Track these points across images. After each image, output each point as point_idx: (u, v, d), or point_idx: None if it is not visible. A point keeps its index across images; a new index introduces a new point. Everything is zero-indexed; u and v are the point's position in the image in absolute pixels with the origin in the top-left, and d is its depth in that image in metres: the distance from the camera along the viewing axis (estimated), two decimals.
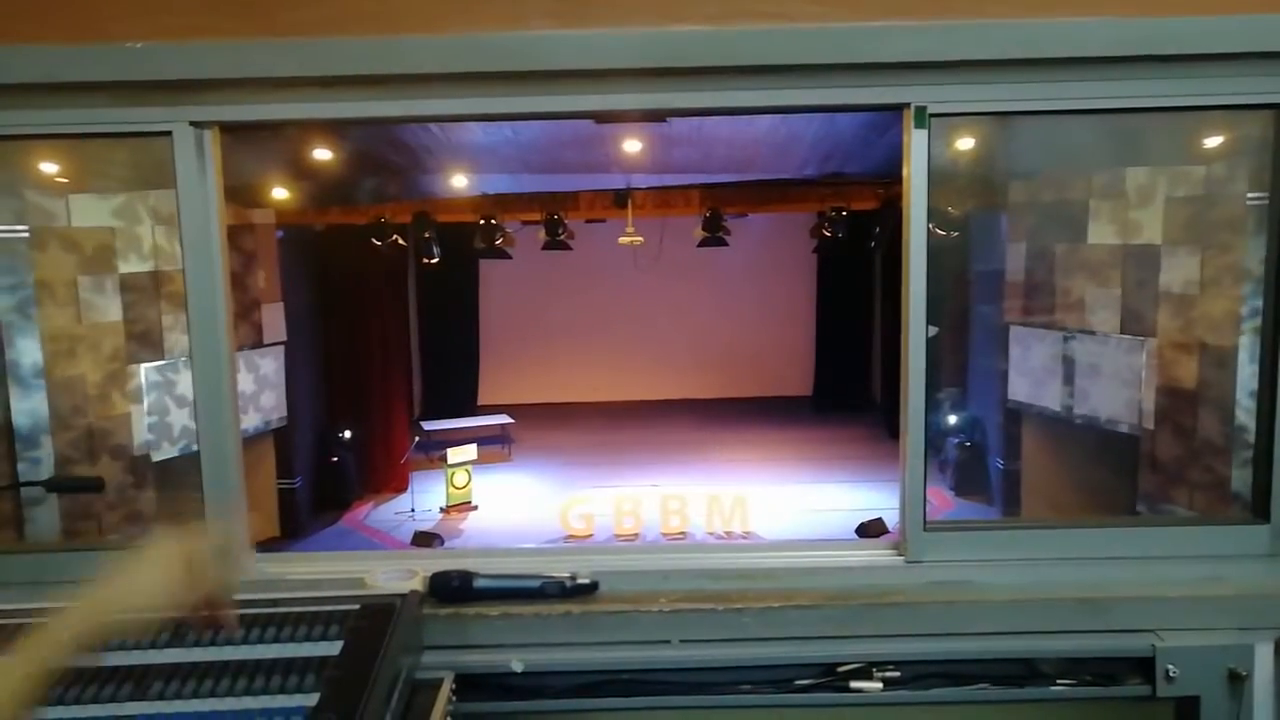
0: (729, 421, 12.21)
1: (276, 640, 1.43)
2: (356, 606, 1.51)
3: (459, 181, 8.43)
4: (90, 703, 1.30)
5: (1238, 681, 1.69)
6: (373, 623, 1.47)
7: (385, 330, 10.17)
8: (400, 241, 8.87)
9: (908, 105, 1.74)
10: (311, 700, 1.30)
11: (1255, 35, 1.66)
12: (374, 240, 8.56)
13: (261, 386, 6.77)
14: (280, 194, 7.53)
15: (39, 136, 1.78)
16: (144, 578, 1.04)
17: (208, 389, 1.79)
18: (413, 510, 8.91)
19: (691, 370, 13.24)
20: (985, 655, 1.73)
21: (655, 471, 9.43)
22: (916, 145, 1.76)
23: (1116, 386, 2.68)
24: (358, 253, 8.69)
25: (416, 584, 1.69)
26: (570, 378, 13.16)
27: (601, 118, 1.96)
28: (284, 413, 7.15)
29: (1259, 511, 1.85)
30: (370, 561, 1.90)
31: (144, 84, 1.67)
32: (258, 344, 6.76)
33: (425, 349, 12.33)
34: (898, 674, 1.74)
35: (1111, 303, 2.72)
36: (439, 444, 9.93)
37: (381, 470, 9.73)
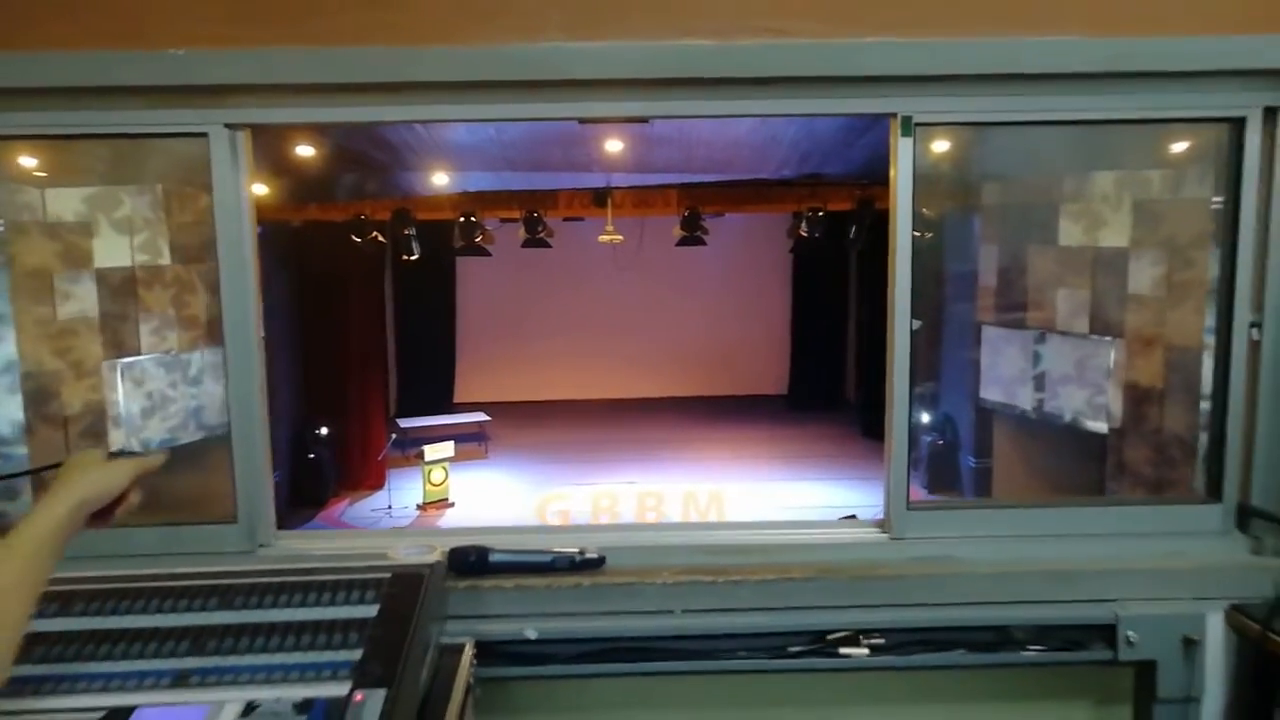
0: (705, 419, 12.33)
1: (318, 604, 1.54)
2: (388, 575, 1.62)
3: (439, 179, 8.49)
4: (153, 657, 1.41)
5: (1191, 646, 1.85)
6: (405, 589, 1.59)
7: (362, 327, 10.21)
8: (380, 238, 8.91)
9: (895, 115, 1.88)
10: (355, 655, 1.42)
11: (1211, 56, 1.82)
12: (353, 237, 8.59)
13: None
14: (259, 189, 7.56)
15: (83, 137, 1.87)
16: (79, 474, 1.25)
17: (240, 378, 1.90)
18: (389, 507, 8.99)
19: (668, 369, 13.33)
20: (962, 624, 1.88)
21: (632, 469, 9.56)
22: (903, 152, 1.90)
23: (1085, 386, 2.78)
24: (335, 249, 8.72)
25: (437, 558, 1.81)
26: (547, 376, 13.22)
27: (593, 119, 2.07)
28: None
29: (1213, 492, 2.01)
30: (388, 539, 2.02)
31: (184, 88, 1.77)
32: None
33: (401, 346, 12.36)
34: (883, 641, 1.88)
35: (1081, 303, 2.80)
36: (415, 441, 10.01)
37: (358, 467, 9.79)
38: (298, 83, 1.79)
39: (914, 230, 4.83)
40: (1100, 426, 2.66)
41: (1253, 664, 1.82)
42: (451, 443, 9.71)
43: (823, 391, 12.81)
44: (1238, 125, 1.91)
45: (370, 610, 1.53)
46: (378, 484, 9.61)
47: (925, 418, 7.59)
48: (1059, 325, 2.94)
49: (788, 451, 10.78)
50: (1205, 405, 2.06)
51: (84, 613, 1.53)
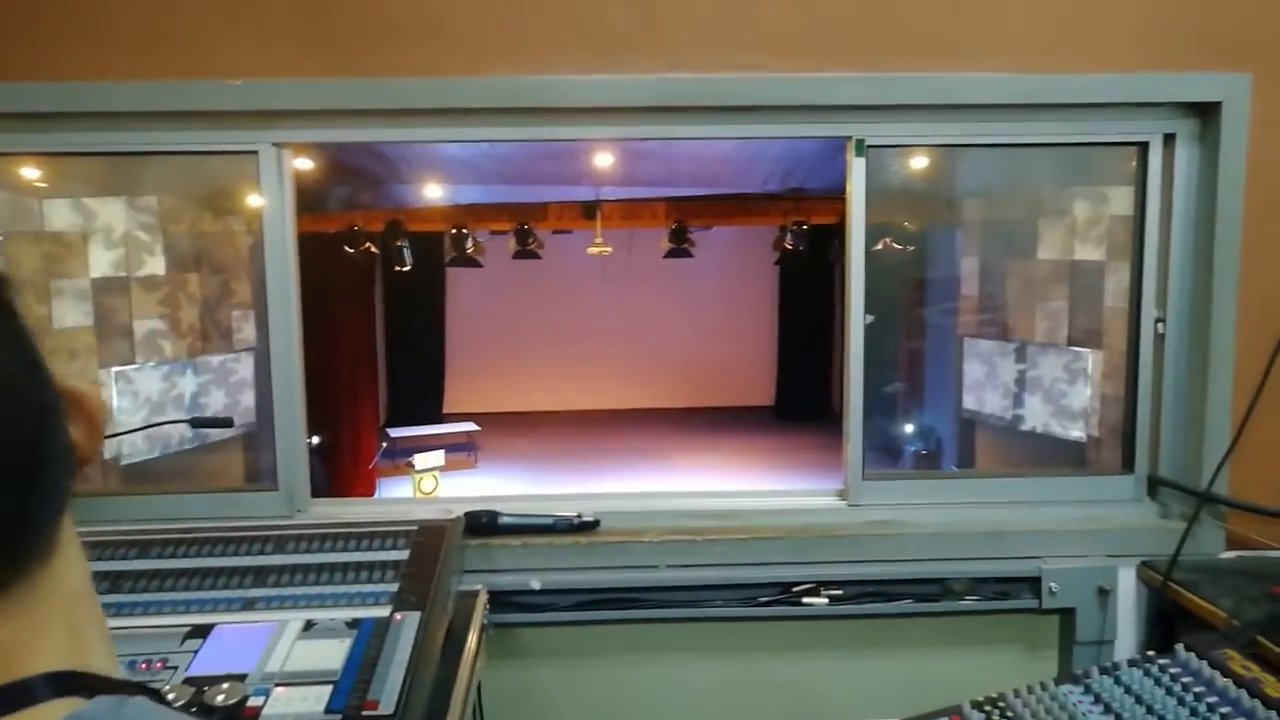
0: (693, 430, 12.43)
1: (358, 550, 1.82)
2: (415, 527, 1.91)
3: (432, 191, 8.71)
4: (224, 589, 1.69)
5: (1104, 595, 2.15)
6: (430, 538, 1.86)
7: (353, 337, 10.32)
8: (372, 249, 9.11)
9: (850, 138, 2.18)
10: (393, 587, 1.70)
11: (1119, 90, 2.11)
12: (346, 248, 8.77)
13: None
14: (254, 201, 7.77)
15: (143, 154, 2.15)
16: None
17: (282, 366, 2.18)
18: None
19: (656, 380, 13.43)
20: (909, 577, 2.17)
21: (620, 479, 9.71)
22: (856, 170, 2.19)
23: (1063, 395, 2.89)
24: (327, 260, 8.86)
25: (456, 516, 2.09)
26: (536, 386, 13.31)
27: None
28: (253, 417, 7.36)
29: (1127, 464, 2.31)
30: (411, 506, 2.29)
31: (238, 113, 2.06)
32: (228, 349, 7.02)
33: (392, 357, 12.40)
34: (840, 592, 2.16)
35: (1059, 315, 2.90)
36: (405, 450, 10.16)
37: (349, 475, 9.86)
38: (340, 108, 2.08)
39: (895, 243, 5.01)
40: (1078, 435, 2.80)
41: (1156, 610, 2.12)
42: (441, 452, 9.85)
43: (809, 403, 12.90)
44: (1142, 148, 2.22)
45: (402, 554, 1.81)
46: (368, 492, 9.71)
47: (909, 429, 7.83)
48: (1038, 337, 3.05)
49: (775, 461, 10.89)
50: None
51: (159, 556, 1.80)
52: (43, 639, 0.63)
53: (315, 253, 8.90)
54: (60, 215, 2.63)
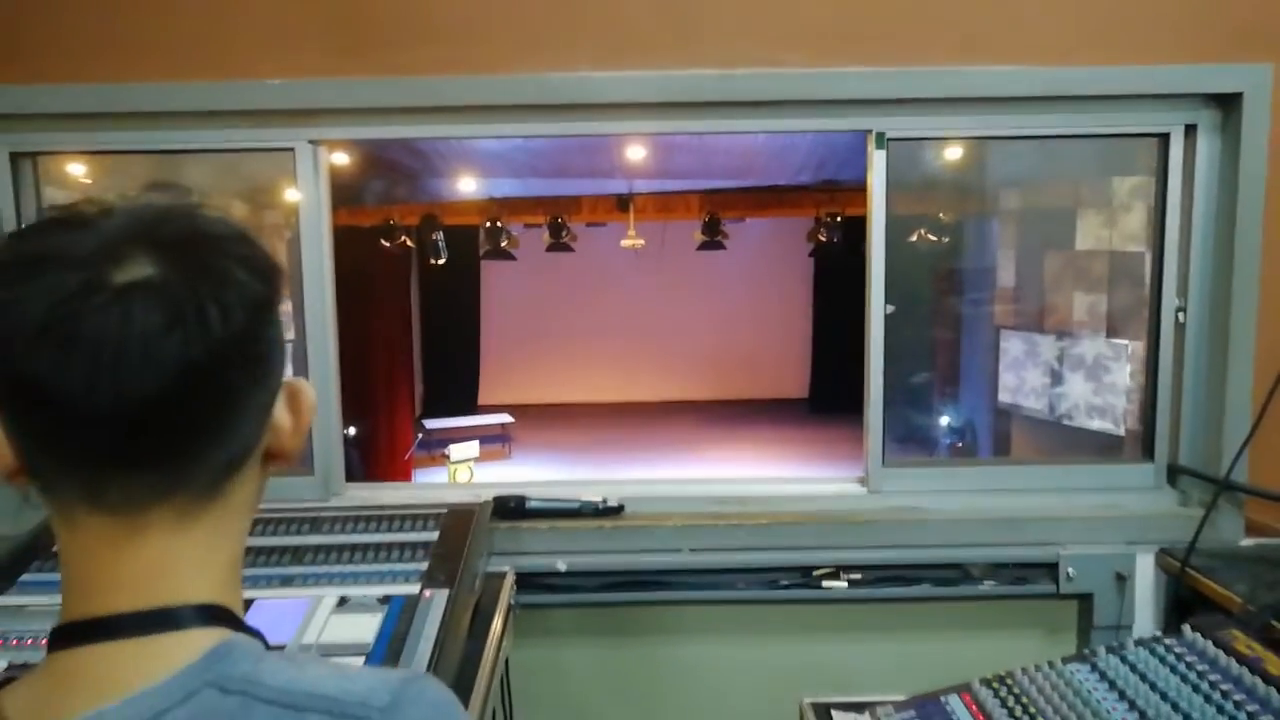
0: (726, 423, 12.46)
1: (389, 531, 1.90)
2: (445, 510, 1.98)
3: (466, 185, 8.81)
4: (262, 566, 1.77)
5: (1122, 581, 2.17)
6: (460, 520, 1.94)
7: (390, 330, 10.45)
8: (408, 243, 9.22)
9: (870, 131, 2.22)
10: (423, 566, 1.77)
11: (1140, 82, 2.13)
12: (383, 241, 8.87)
13: None
14: (292, 195, 7.91)
15: (185, 152, 2.24)
16: None
17: (319, 356, 2.26)
18: None
19: (689, 372, 13.46)
20: (928, 562, 2.21)
21: (651, 470, 9.78)
22: (877, 161, 2.23)
23: (1101, 389, 2.86)
24: (363, 254, 8.98)
25: (485, 500, 2.16)
26: (570, 378, 13.40)
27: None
28: None
29: (1147, 453, 2.33)
30: (442, 490, 2.37)
31: (275, 111, 2.14)
32: None
33: (427, 349, 12.54)
34: (859, 576, 2.21)
35: (1098, 307, 2.86)
36: (441, 442, 10.31)
37: (386, 466, 10.01)
38: (377, 106, 2.15)
39: (930, 235, 4.97)
40: (1114, 429, 2.77)
41: (1174, 596, 2.14)
42: (476, 443, 10.00)
43: (843, 394, 12.73)
44: (1164, 139, 2.23)
45: (432, 535, 1.88)
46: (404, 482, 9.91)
47: (945, 421, 7.81)
48: (1075, 328, 3.02)
49: (809, 454, 10.89)
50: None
51: None
52: (205, 570, 0.72)
53: (352, 246, 9.02)
54: None
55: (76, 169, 2.54)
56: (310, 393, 0.79)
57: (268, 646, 0.73)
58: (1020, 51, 2.14)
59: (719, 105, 2.18)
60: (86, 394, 0.62)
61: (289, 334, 3.48)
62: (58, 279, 0.63)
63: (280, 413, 0.76)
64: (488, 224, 9.30)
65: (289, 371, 0.79)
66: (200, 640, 0.67)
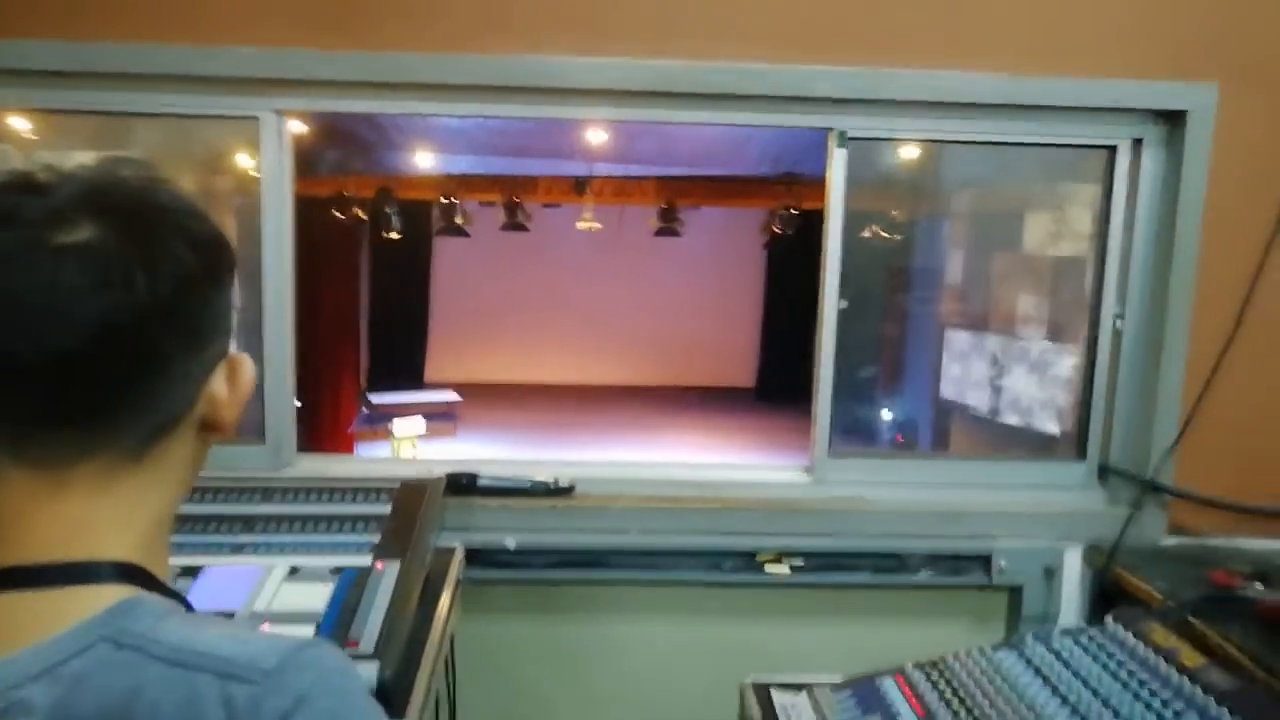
0: (673, 408, 12.56)
1: (342, 502, 1.91)
2: (398, 484, 1.99)
3: (423, 160, 8.74)
4: (214, 534, 1.77)
5: (1050, 575, 2.26)
6: (412, 495, 1.95)
7: (338, 301, 10.30)
8: (361, 215, 9.13)
9: (831, 129, 2.27)
10: (375, 538, 1.79)
11: (1090, 95, 2.20)
12: (335, 212, 8.78)
13: None
14: (244, 161, 7.76)
15: (147, 115, 2.21)
16: None
17: (275, 324, 2.26)
18: None
19: (639, 357, 13.53)
20: (868, 550, 2.27)
21: (598, 453, 9.80)
22: (837, 160, 2.28)
23: (1040, 389, 2.93)
24: (315, 224, 8.89)
25: (438, 476, 2.17)
26: (519, 359, 13.38)
27: None
28: None
29: (1080, 452, 2.42)
30: (394, 465, 2.38)
31: (243, 79, 2.12)
32: None
33: (374, 323, 12.40)
34: (801, 562, 2.26)
35: (1040, 310, 2.94)
36: (385, 416, 10.21)
37: (328, 439, 9.89)
38: (348, 80, 2.14)
39: (884, 232, 5.01)
40: (1051, 429, 2.87)
41: (1099, 590, 2.23)
42: (421, 419, 9.91)
43: (789, 386, 12.95)
44: (1111, 152, 2.32)
45: (385, 508, 1.90)
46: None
47: (886, 415, 7.96)
48: (1017, 330, 3.10)
49: (753, 442, 11.04)
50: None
51: None
52: (126, 529, 0.74)
53: (303, 216, 8.87)
54: None
55: (20, 124, 2.48)
56: (249, 367, 0.82)
57: (189, 609, 0.75)
58: (982, 58, 2.20)
59: (685, 96, 2.20)
60: (8, 347, 0.65)
61: (238, 303, 3.48)
62: (2, 238, 0.66)
63: (218, 384, 0.78)
64: (443, 200, 9.25)
65: (237, 345, 0.82)
66: (109, 596, 0.69)
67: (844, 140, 2.27)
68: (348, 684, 0.70)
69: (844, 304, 2.36)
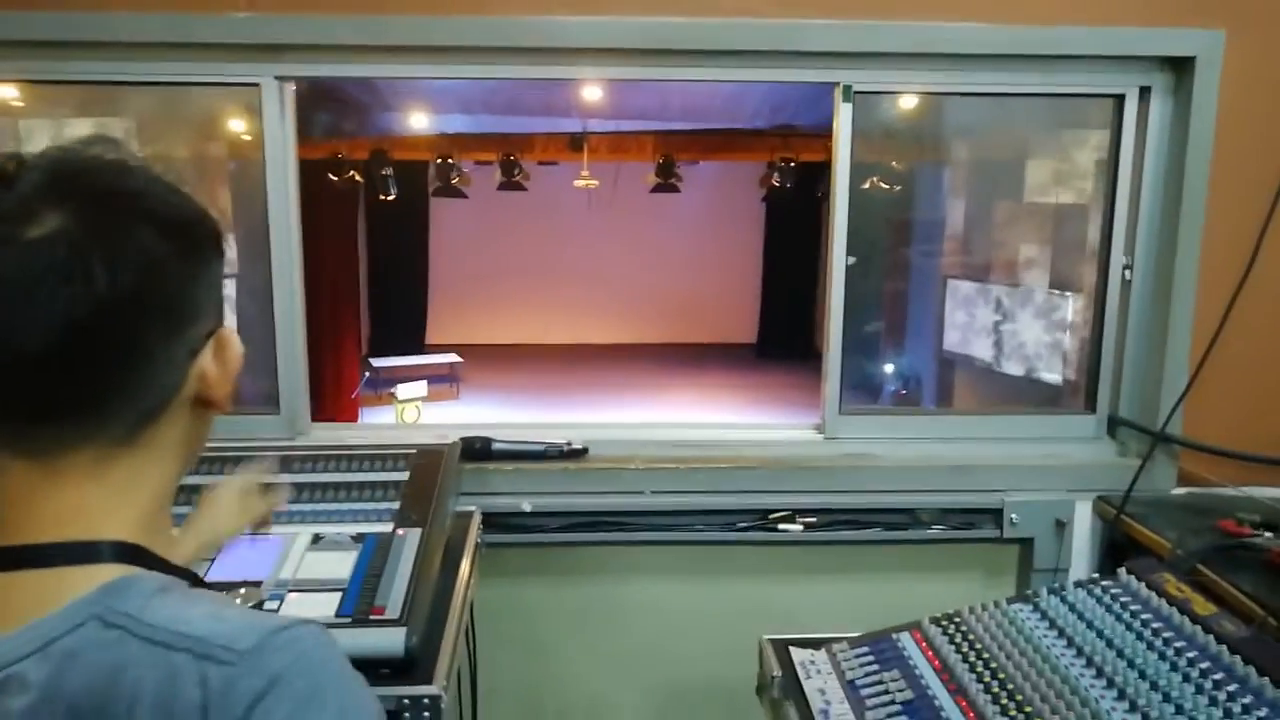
0: (674, 366, 12.48)
1: (360, 470, 1.92)
2: (414, 450, 2.01)
3: (418, 120, 8.64)
4: None
5: (1061, 527, 2.29)
6: (429, 461, 1.96)
7: (336, 266, 10.21)
8: (356, 178, 9.04)
9: (837, 83, 2.25)
10: (395, 505, 1.81)
11: (1098, 43, 2.18)
12: (330, 175, 8.68)
13: None
14: (236, 125, 7.69)
15: (148, 84, 2.19)
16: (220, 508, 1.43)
17: (284, 294, 2.26)
18: None
19: (639, 314, 13.44)
20: (880, 506, 2.29)
21: (601, 413, 9.82)
22: (844, 114, 2.27)
23: (1042, 338, 2.92)
24: (310, 187, 8.72)
25: (453, 441, 2.19)
26: (519, 319, 13.30)
27: None
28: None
29: (1089, 405, 2.43)
30: (407, 430, 2.39)
31: (243, 45, 2.10)
32: None
33: (373, 287, 12.30)
34: (814, 520, 2.29)
35: (1043, 259, 2.91)
36: (388, 381, 10.19)
37: (331, 403, 9.85)
38: (344, 43, 2.12)
39: (883, 183, 4.96)
40: (1054, 378, 2.86)
41: (1109, 541, 2.26)
42: (424, 382, 9.90)
43: (791, 342, 12.90)
44: (1118, 100, 2.30)
45: (403, 475, 1.91)
46: (350, 421, 9.81)
47: (889, 369, 7.94)
48: (1020, 279, 3.08)
49: (755, 398, 10.99)
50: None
51: None
52: (122, 510, 0.74)
53: (299, 180, 8.82)
54: (42, 137, 2.66)
55: (8, 92, 2.45)
56: (236, 343, 0.82)
57: (195, 584, 0.76)
58: (987, 9, 2.18)
59: (687, 53, 2.18)
60: None
61: (229, 270, 3.44)
62: None
63: (207, 362, 0.78)
64: (438, 160, 9.15)
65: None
66: (104, 575, 0.70)
67: (849, 95, 2.25)
68: (327, 665, 0.70)
69: (851, 260, 2.35)
